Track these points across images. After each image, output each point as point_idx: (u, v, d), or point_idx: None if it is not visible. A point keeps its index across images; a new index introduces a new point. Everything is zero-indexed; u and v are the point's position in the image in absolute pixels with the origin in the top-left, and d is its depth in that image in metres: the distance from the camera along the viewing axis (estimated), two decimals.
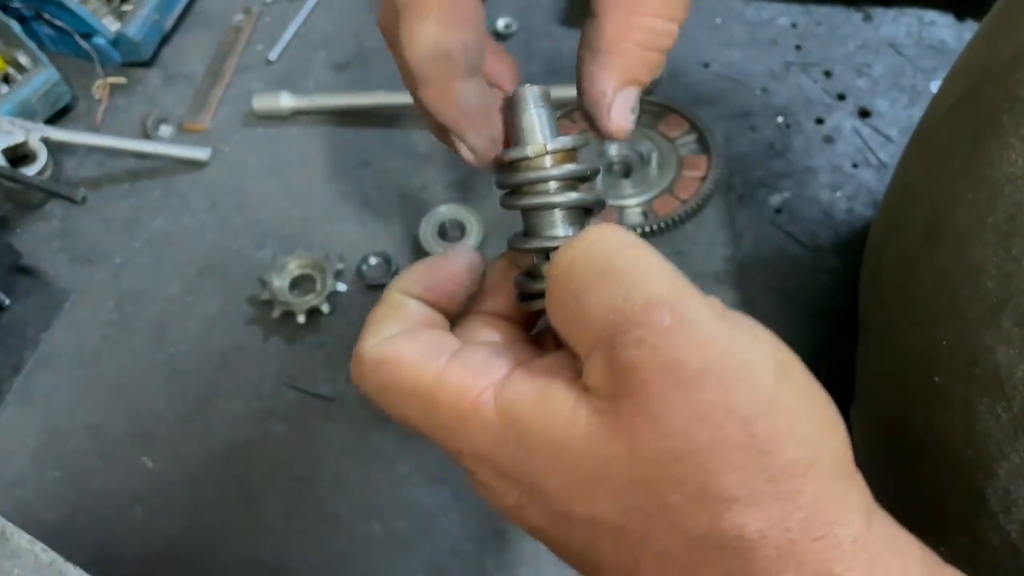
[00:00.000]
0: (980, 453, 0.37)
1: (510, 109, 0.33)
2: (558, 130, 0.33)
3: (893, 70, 0.73)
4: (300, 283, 0.64)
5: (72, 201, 0.62)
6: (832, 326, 0.61)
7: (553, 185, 0.32)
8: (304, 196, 0.69)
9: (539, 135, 0.32)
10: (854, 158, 0.68)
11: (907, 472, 0.45)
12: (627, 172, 0.66)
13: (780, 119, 0.70)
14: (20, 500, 0.56)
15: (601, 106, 0.33)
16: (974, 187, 0.39)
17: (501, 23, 0.76)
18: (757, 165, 0.68)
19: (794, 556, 0.25)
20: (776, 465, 0.25)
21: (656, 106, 0.70)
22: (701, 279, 0.63)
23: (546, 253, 0.32)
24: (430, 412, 0.29)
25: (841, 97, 0.71)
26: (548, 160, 0.32)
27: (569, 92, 0.66)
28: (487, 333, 0.33)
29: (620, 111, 0.33)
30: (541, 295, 0.32)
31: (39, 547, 0.43)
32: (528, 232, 0.33)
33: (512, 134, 0.33)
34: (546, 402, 0.28)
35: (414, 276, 0.32)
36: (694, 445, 0.25)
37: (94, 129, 0.71)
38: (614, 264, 0.27)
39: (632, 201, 0.64)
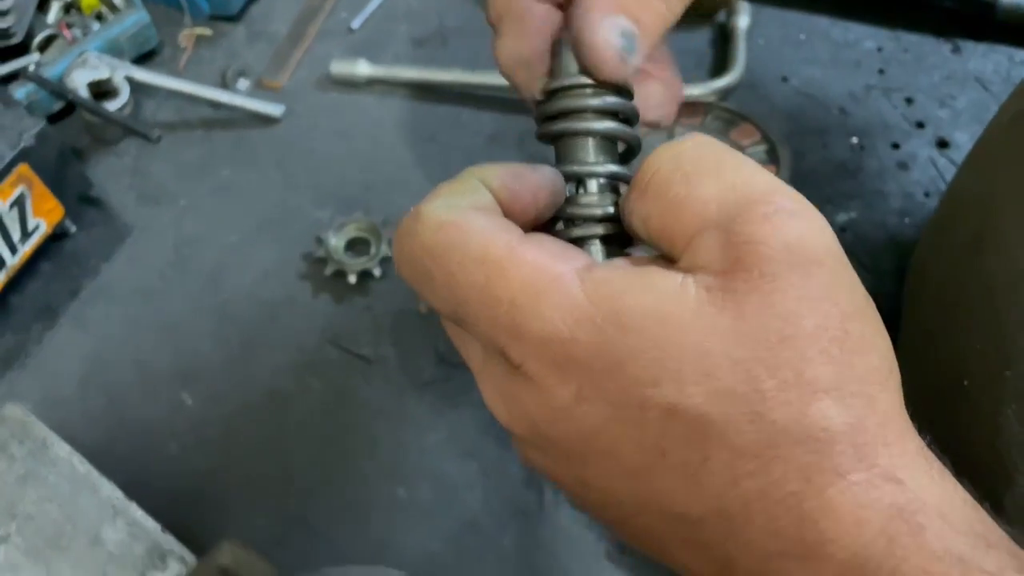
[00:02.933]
0: (1002, 460, 0.36)
1: (556, 49, 0.33)
2: None
3: (977, 104, 0.71)
4: (355, 245, 0.65)
5: (147, 139, 0.64)
6: None
7: (591, 114, 0.32)
8: (368, 163, 0.70)
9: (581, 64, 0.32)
10: (927, 187, 0.67)
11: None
12: None
13: (855, 140, 0.69)
14: (63, 420, 0.57)
15: (583, 31, 0.31)
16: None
17: None
18: (826, 182, 0.67)
19: (866, 457, 0.25)
20: (864, 366, 0.26)
21: (729, 113, 0.69)
22: None
23: (579, 179, 0.32)
24: (494, 282, 0.27)
25: (920, 125, 0.70)
26: (588, 89, 0.32)
27: None
28: None
29: (604, 36, 0.31)
30: (606, 220, 0.31)
31: (76, 458, 0.45)
32: (560, 161, 0.32)
33: (555, 69, 0.33)
34: (648, 280, 0.26)
35: (497, 170, 0.30)
36: (799, 329, 0.25)
37: (176, 75, 0.73)
38: (727, 158, 0.28)
39: None
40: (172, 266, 0.65)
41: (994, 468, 0.36)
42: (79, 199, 0.65)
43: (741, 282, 0.25)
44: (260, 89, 0.74)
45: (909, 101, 0.71)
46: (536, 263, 0.27)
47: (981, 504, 0.26)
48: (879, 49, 0.75)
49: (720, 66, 0.72)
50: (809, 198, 0.68)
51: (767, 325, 0.25)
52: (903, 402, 0.27)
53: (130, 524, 0.42)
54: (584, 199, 0.32)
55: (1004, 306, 0.38)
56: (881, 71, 0.74)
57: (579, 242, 0.31)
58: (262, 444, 0.57)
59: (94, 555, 0.41)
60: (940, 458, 0.26)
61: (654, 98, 0.37)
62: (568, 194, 0.32)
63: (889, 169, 0.68)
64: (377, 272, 0.62)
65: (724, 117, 0.69)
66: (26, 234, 0.59)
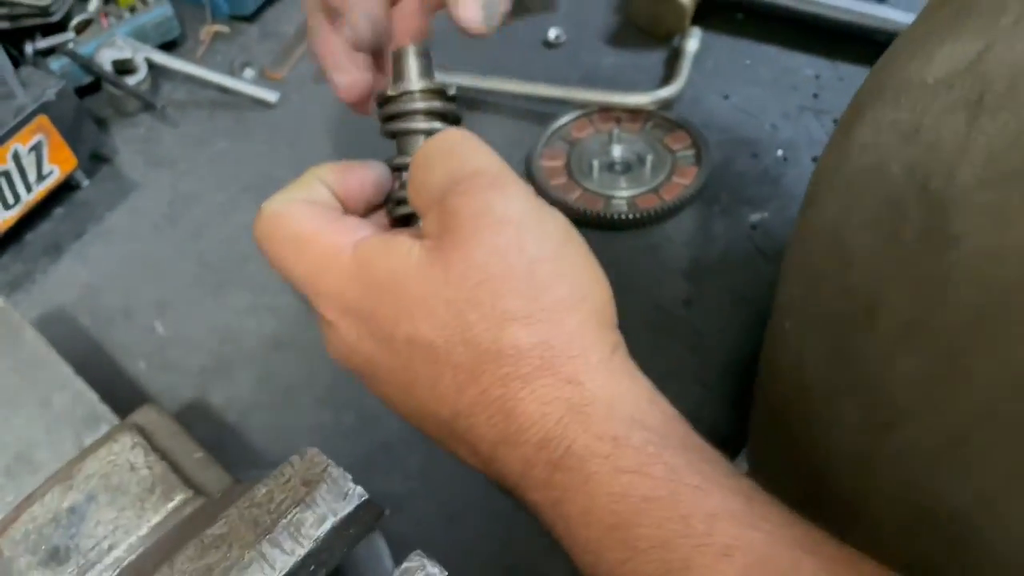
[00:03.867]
0: (803, 380, 0.41)
1: (395, 58, 0.42)
2: (432, 75, 0.42)
3: None
4: None
5: (153, 107, 0.75)
6: None
7: (420, 116, 0.41)
8: (347, 146, 0.79)
9: (412, 75, 0.41)
10: None
11: (767, 401, 0.50)
12: (626, 170, 0.74)
13: (780, 152, 0.76)
14: (54, 334, 0.67)
15: (452, 8, 0.40)
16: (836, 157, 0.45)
17: (552, 34, 0.86)
18: (747, 186, 0.74)
19: (553, 365, 0.32)
20: (549, 297, 0.33)
21: (667, 121, 0.77)
22: (667, 271, 0.69)
23: (407, 168, 0.41)
24: (300, 256, 0.37)
25: None
26: (419, 95, 0.41)
27: (602, 97, 0.75)
28: None
29: (471, 13, 0.40)
30: (404, 202, 0.40)
31: (42, 342, 0.54)
32: (398, 153, 0.42)
33: (393, 76, 0.42)
34: (390, 246, 0.36)
35: (332, 168, 0.41)
36: (490, 274, 0.33)
37: (191, 62, 0.84)
38: (455, 148, 0.37)
39: (621, 194, 0.71)
40: (165, 218, 0.75)
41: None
42: (92, 156, 0.75)
43: (447, 242, 0.34)
44: (262, 78, 0.85)
45: (836, 122, 0.78)
46: (327, 240, 0.37)
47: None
48: (817, 76, 0.82)
49: (667, 81, 0.80)
50: (728, 198, 0.77)
51: (466, 273, 0.33)
52: (603, 319, 0.35)
53: (76, 394, 0.51)
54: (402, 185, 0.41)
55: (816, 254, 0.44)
56: (815, 95, 0.81)
57: (398, 220, 0.41)
58: (216, 369, 0.66)
59: (42, 415, 0.50)
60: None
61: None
62: (402, 181, 0.41)
63: (806, 177, 0.73)
64: None
65: (662, 124, 0.77)
66: (41, 177, 0.70)
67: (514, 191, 0.35)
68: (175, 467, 0.45)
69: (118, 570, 0.42)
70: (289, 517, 0.34)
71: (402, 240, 0.36)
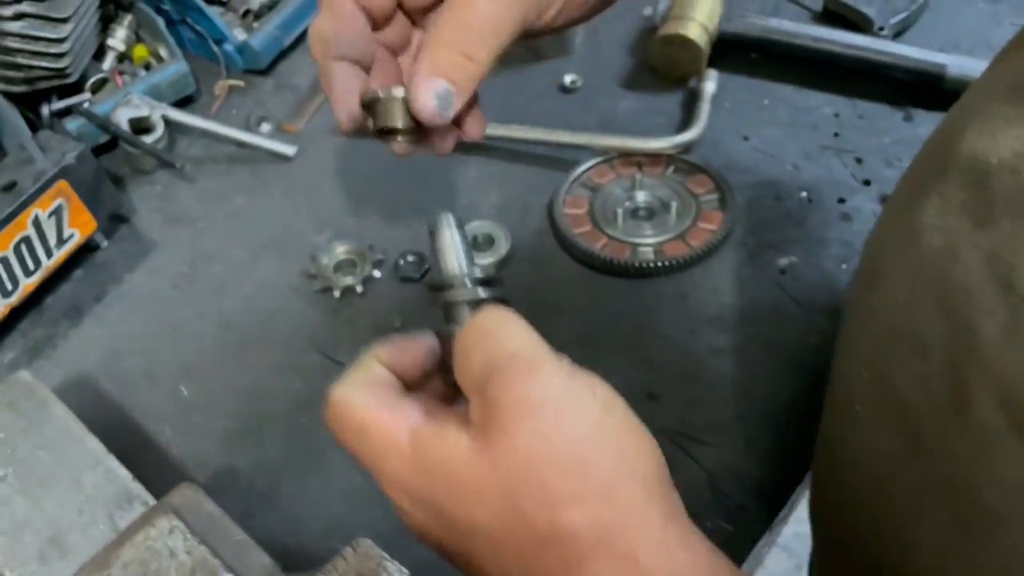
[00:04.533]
0: (879, 473, 0.40)
1: (431, 231, 0.44)
2: (470, 249, 0.44)
3: None
4: (343, 266, 0.73)
5: (171, 166, 0.74)
6: (810, 382, 0.64)
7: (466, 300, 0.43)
8: (366, 197, 0.79)
9: (454, 261, 0.43)
10: (867, 237, 0.72)
11: (830, 489, 0.49)
12: (650, 216, 0.73)
13: (804, 194, 0.76)
14: (76, 401, 0.66)
15: (410, 95, 0.43)
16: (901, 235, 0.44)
17: (568, 79, 0.85)
18: (773, 230, 0.73)
19: (608, 543, 0.33)
20: (596, 475, 0.34)
21: (688, 164, 0.76)
22: (697, 319, 0.68)
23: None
24: (363, 443, 0.38)
25: (867, 183, 0.76)
26: (467, 280, 0.43)
27: (622, 143, 0.74)
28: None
29: (424, 93, 0.42)
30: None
31: (71, 417, 0.53)
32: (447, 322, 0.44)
33: (432, 254, 0.44)
34: (441, 435, 0.37)
35: (388, 348, 0.42)
36: (536, 459, 0.34)
37: (208, 118, 0.84)
38: (491, 331, 0.38)
39: (645, 241, 0.71)
40: (185, 277, 0.74)
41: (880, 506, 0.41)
42: (111, 216, 0.75)
43: (492, 431, 0.35)
44: (279, 132, 0.84)
45: (859, 161, 0.78)
46: (386, 429, 0.38)
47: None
48: (836, 115, 0.82)
49: (685, 124, 0.79)
50: (755, 243, 0.75)
51: (513, 460, 0.34)
52: (653, 486, 0.35)
53: (107, 472, 0.50)
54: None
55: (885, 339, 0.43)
56: (836, 134, 0.80)
57: (453, 386, 0.41)
58: (244, 431, 0.65)
59: (74, 494, 0.49)
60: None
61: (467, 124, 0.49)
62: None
63: (833, 220, 0.74)
64: (359, 289, 0.71)
65: (683, 168, 0.76)
66: (61, 241, 0.69)
67: (549, 373, 0.35)
68: (215, 551, 0.44)
69: None
70: None
71: (451, 429, 0.36)
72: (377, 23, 0.46)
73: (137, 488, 0.49)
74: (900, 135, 0.80)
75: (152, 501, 0.48)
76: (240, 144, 0.82)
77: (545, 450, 0.34)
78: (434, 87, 0.42)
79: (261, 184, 0.81)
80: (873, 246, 0.49)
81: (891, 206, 0.48)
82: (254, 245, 0.76)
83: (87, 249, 0.75)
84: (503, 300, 0.44)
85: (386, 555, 0.34)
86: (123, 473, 0.50)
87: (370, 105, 0.44)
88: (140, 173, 0.81)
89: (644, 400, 0.64)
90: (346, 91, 0.45)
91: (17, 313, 0.70)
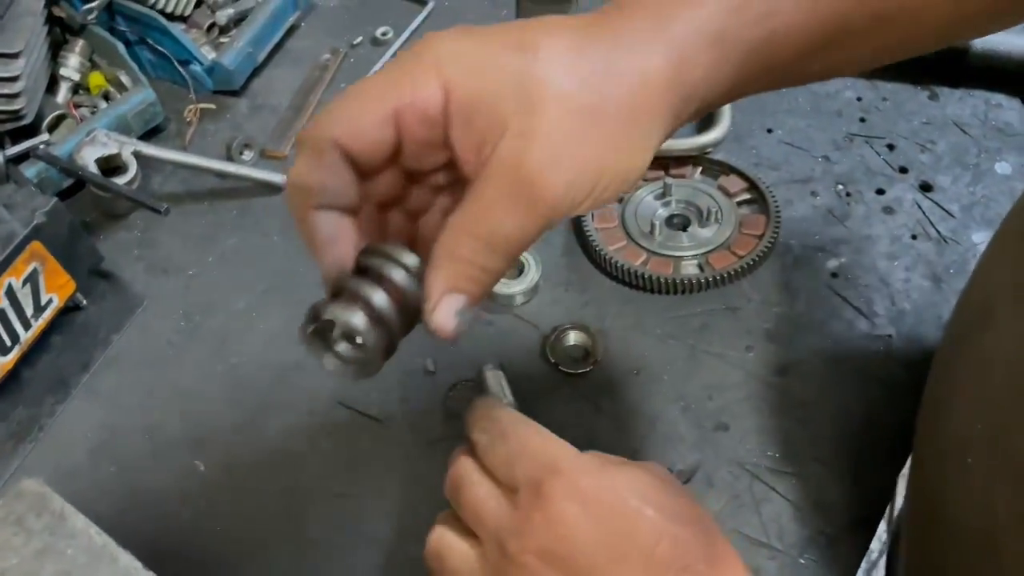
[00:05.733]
0: (992, 534, 0.36)
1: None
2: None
3: (957, 148, 0.74)
4: None
5: (156, 212, 0.66)
6: (883, 392, 0.60)
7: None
8: None
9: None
10: (913, 230, 0.69)
11: (931, 543, 0.45)
12: (685, 226, 0.68)
13: (840, 187, 0.72)
14: (75, 490, 0.57)
15: (427, 317, 0.36)
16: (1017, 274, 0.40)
17: None
18: (815, 230, 0.69)
19: None
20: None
21: (717, 164, 0.71)
22: (753, 336, 0.64)
23: None
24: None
25: (903, 170, 0.72)
26: None
27: None
28: None
29: (441, 322, 0.36)
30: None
31: (93, 530, 0.45)
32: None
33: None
34: None
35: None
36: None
37: (182, 149, 0.76)
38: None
39: (688, 254, 0.66)
40: (181, 333, 0.67)
41: (983, 543, 0.37)
42: (89, 272, 0.66)
43: None
44: (263, 159, 0.77)
45: (891, 147, 0.74)
46: None
47: None
48: (858, 99, 0.78)
49: (707, 122, 0.74)
50: (799, 246, 0.70)
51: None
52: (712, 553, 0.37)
53: None
54: None
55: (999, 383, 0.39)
56: (862, 119, 0.76)
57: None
58: (274, 507, 0.58)
59: None
60: None
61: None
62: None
63: (875, 214, 0.70)
64: None
65: (712, 169, 0.72)
66: (39, 309, 0.61)
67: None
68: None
69: None
70: None
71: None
72: (365, 174, 0.37)
73: None
74: (928, 115, 0.76)
75: None
76: (222, 175, 0.74)
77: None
78: (455, 305, 0.36)
79: (252, 220, 0.73)
80: (983, 277, 0.44)
81: (1002, 236, 0.44)
82: (255, 291, 0.69)
83: (65, 311, 0.66)
84: None
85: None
86: None
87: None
88: (113, 218, 0.73)
89: (712, 432, 0.59)
90: (334, 241, 0.37)
91: None
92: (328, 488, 0.59)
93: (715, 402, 0.60)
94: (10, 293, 0.58)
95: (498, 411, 0.42)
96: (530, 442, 0.39)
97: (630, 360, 0.63)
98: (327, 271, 0.38)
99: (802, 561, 0.54)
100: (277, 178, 0.74)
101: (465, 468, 0.42)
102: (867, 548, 0.54)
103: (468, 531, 0.41)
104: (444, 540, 0.42)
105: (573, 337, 0.63)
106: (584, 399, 0.61)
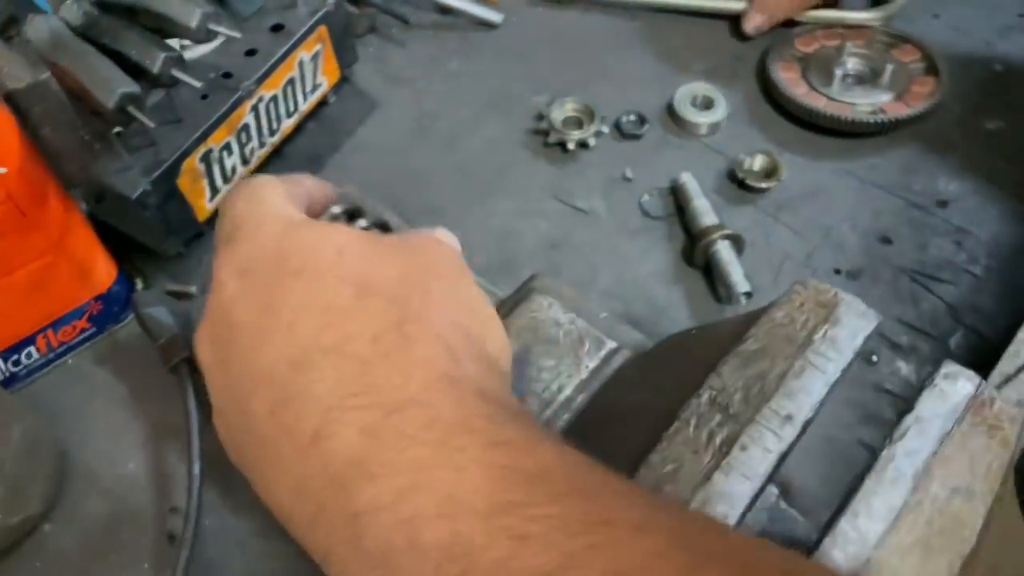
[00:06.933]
0: None
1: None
2: None
3: None
4: (570, 122, 0.77)
5: (404, 21, 0.77)
6: None
7: None
8: (578, 62, 0.82)
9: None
10: None
11: None
12: (861, 82, 0.77)
13: (999, 67, 0.80)
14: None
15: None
16: None
17: None
18: (976, 95, 0.77)
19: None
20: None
21: (891, 35, 0.80)
22: (918, 176, 0.72)
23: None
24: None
25: None
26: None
27: (824, 14, 0.77)
28: None
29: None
30: None
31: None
32: None
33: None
34: None
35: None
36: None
37: None
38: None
39: (863, 102, 0.75)
40: (413, 132, 0.78)
41: None
42: (343, 70, 0.78)
43: None
44: (477, 4, 0.87)
45: None
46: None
47: None
48: None
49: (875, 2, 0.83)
50: (961, 109, 0.79)
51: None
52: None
53: None
54: None
55: None
56: (1020, 15, 0.84)
57: None
58: (499, 265, 0.69)
59: None
60: None
61: None
62: None
63: None
64: (592, 143, 0.74)
65: (885, 40, 0.80)
66: (314, 87, 0.72)
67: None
68: (591, 323, 0.48)
69: (571, 409, 0.45)
70: (822, 332, 0.37)
71: None
72: None
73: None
74: None
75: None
76: (444, 10, 0.85)
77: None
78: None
79: (470, 50, 0.84)
80: None
81: None
82: (475, 105, 0.79)
83: (317, 106, 0.78)
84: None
85: (839, 290, 0.39)
86: None
87: None
88: (354, 37, 0.84)
89: (877, 243, 0.68)
90: None
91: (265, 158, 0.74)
92: (542, 259, 0.70)
93: (881, 223, 0.70)
94: (301, 65, 0.69)
95: (249, 182, 0.43)
96: (237, 202, 0.41)
97: (807, 185, 0.72)
98: None
99: (952, 346, 0.63)
100: (494, 16, 0.84)
101: None
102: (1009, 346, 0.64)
103: None
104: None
105: (758, 161, 0.73)
106: (764, 212, 0.71)
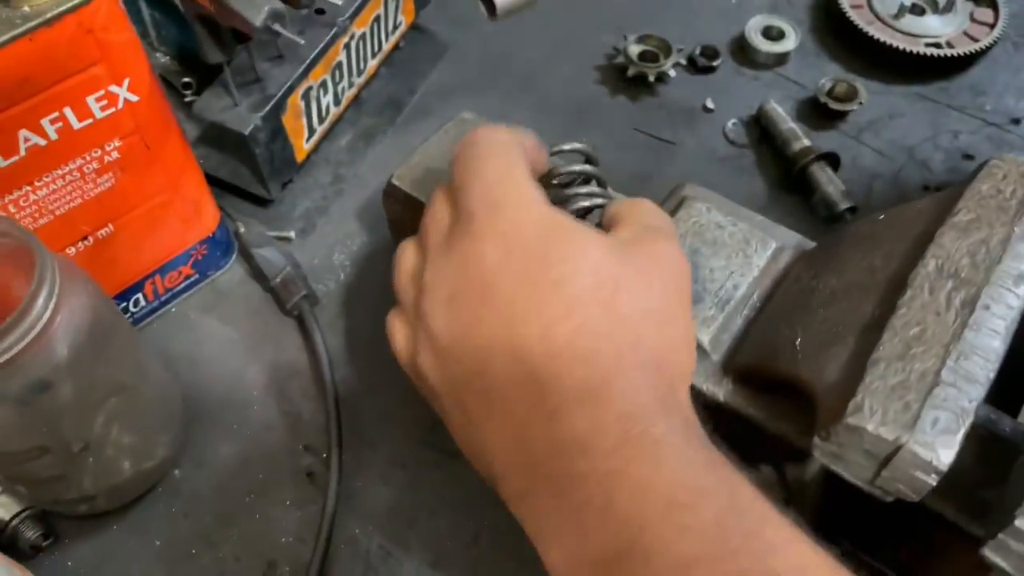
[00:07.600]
0: None
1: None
2: None
3: None
4: (646, 56, 0.77)
5: None
6: None
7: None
8: (637, 4, 0.82)
9: None
10: None
11: None
12: (923, 13, 0.79)
13: None
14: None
15: None
16: None
17: None
18: None
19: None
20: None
21: None
22: (987, 96, 0.75)
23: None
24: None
25: None
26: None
27: None
28: None
29: None
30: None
31: None
32: None
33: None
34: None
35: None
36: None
37: None
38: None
39: (928, 35, 0.76)
40: (487, 73, 0.77)
41: None
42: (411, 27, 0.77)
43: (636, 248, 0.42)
44: None
45: None
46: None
47: None
48: None
49: None
50: (1016, 33, 0.78)
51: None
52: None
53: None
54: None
55: None
56: None
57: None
58: None
59: None
60: None
61: None
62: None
63: None
64: (672, 74, 0.75)
65: None
66: (395, 26, 0.71)
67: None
68: (751, 224, 0.49)
69: (748, 305, 0.46)
70: None
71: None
72: None
73: None
74: None
75: None
76: None
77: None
78: None
79: None
80: None
81: None
82: (545, 45, 0.79)
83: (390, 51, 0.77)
84: None
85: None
86: None
87: None
88: None
89: (962, 161, 0.70)
90: None
91: None
92: (632, 189, 0.70)
93: (961, 141, 0.72)
94: (385, 2, 0.68)
95: (492, 137, 0.44)
96: (487, 175, 0.40)
97: (882, 108, 0.74)
98: None
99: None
100: None
101: (439, 192, 0.44)
102: None
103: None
104: (405, 245, 0.44)
105: (838, 86, 0.74)
106: (847, 135, 0.72)
